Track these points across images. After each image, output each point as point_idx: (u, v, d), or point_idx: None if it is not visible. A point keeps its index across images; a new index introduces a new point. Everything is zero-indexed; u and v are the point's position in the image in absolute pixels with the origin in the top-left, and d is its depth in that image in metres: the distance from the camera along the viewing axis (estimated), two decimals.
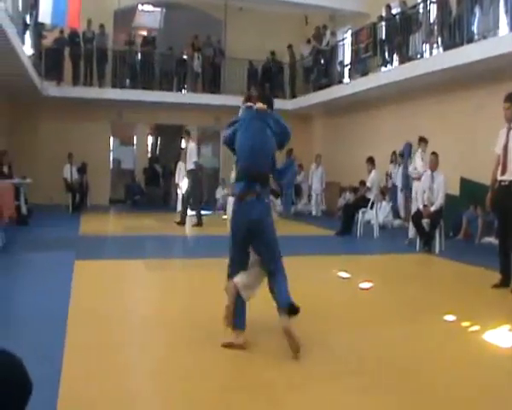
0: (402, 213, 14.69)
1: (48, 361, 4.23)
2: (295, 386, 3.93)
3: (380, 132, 16.93)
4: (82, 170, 18.72)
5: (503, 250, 7.55)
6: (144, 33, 21.74)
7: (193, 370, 4.27)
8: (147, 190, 21.24)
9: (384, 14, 15.62)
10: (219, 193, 20.22)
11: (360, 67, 16.97)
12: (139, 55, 20.25)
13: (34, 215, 14.14)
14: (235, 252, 4.88)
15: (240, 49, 20.88)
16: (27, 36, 15.08)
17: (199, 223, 14.24)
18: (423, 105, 15.01)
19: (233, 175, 5.36)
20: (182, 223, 14.34)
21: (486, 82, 12.50)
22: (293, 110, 20.49)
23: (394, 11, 15.29)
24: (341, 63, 18.67)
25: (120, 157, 22.91)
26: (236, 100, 19.97)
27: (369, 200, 13.16)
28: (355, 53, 17.35)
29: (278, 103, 20.29)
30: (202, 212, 14.61)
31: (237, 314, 4.68)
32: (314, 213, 18.63)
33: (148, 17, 23.23)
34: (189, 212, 17.39)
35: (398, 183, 14.63)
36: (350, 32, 18.47)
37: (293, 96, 21.08)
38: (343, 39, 18.95)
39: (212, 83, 20.83)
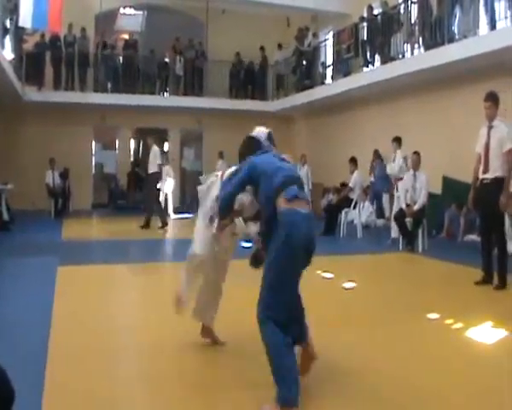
0: (387, 213, 14.73)
1: (31, 368, 4.18)
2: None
3: (363, 132, 16.95)
4: (64, 175, 18.63)
5: (486, 248, 7.59)
6: (126, 37, 21.62)
7: (175, 375, 4.24)
8: (130, 195, 21.15)
9: (366, 14, 15.65)
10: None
11: (342, 67, 17.00)
12: (121, 58, 20.15)
13: (16, 221, 13.99)
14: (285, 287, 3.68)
15: (222, 52, 20.90)
16: (7, 40, 14.95)
17: (163, 224, 14.13)
18: (406, 104, 15.05)
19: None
20: (146, 226, 14.14)
21: (468, 81, 12.55)
22: (275, 112, 20.53)
23: (376, 12, 15.31)
24: (323, 64, 18.69)
25: (103, 161, 22.78)
26: (219, 102, 20.25)
27: (351, 200, 13.20)
28: (337, 54, 17.39)
29: (261, 105, 20.76)
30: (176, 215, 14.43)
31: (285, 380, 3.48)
32: None
33: (130, 20, 23.09)
34: (172, 215, 17.45)
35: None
36: (332, 32, 18.49)
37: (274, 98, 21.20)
38: (325, 40, 19.00)
39: (195, 85, 20.81)
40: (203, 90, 20.88)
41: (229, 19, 20.86)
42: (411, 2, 13.75)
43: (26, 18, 14.83)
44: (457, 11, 12.26)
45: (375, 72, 14.83)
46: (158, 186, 17.22)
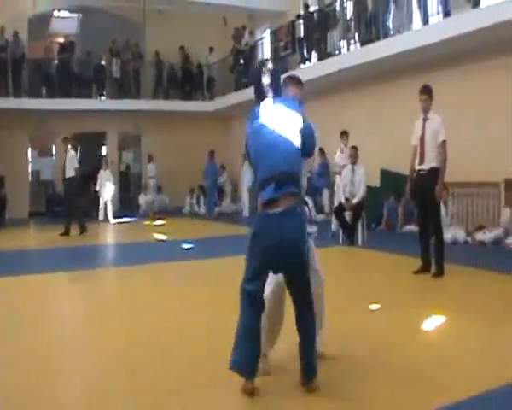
0: (326, 209, 14.76)
1: None
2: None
3: None
4: None
5: (423, 237, 7.69)
6: (61, 40, 21.08)
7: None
8: None
9: (302, 12, 15.69)
10: (142, 199, 19.92)
11: (280, 65, 16.95)
12: (56, 62, 19.63)
13: None
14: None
15: (160, 53, 20.68)
16: None
17: (81, 230, 13.81)
18: (345, 99, 15.14)
19: None
20: (65, 234, 13.65)
21: (404, 75, 12.72)
22: (213, 112, 20.43)
23: (312, 9, 15.36)
24: None
25: (40, 168, 22.20)
26: (156, 104, 19.99)
27: None
28: (274, 51, 17.37)
29: (198, 106, 20.60)
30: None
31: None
32: (242, 212, 18.54)
33: (65, 23, 22.54)
34: (112, 220, 17.10)
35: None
36: (269, 30, 18.49)
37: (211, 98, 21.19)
38: (262, 38, 18.96)
39: (132, 88, 20.49)
40: (140, 92, 20.57)
41: (166, 19, 20.64)
42: None
43: None
44: (392, 7, 12.38)
45: (312, 68, 14.84)
46: (97, 190, 17.01)
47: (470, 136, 11.13)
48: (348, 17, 13.91)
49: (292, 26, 16.10)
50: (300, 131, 3.73)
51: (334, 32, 14.39)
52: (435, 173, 7.42)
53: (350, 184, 10.74)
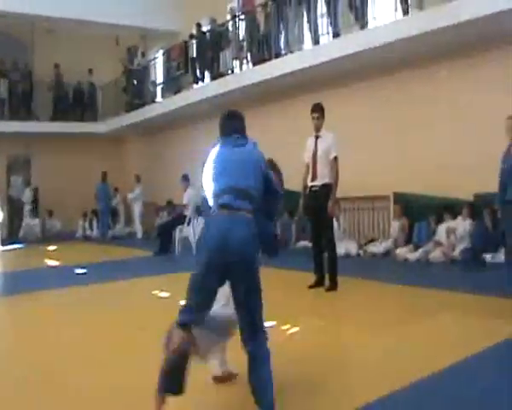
0: None
1: None
2: None
3: (198, 148, 16.83)
4: None
5: (317, 252, 7.75)
6: None
7: None
8: None
9: (195, 31, 15.67)
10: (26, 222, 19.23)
11: (173, 85, 16.89)
12: None
13: None
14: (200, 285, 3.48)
15: (51, 73, 20.04)
16: None
17: None
18: None
19: None
20: None
21: (295, 94, 12.93)
22: (106, 133, 20.02)
23: (205, 29, 15.37)
24: (154, 83, 18.48)
25: None
26: (46, 126, 19.30)
27: (185, 217, 13.06)
28: (167, 71, 17.27)
29: (90, 127, 20.13)
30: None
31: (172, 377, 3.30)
32: (134, 235, 18.23)
33: None
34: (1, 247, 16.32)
35: None
36: (162, 50, 18.37)
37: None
38: (155, 58, 18.79)
39: (21, 109, 19.72)
40: (30, 114, 19.83)
41: (56, 39, 19.94)
42: (239, 20, 13.94)
43: None
44: (283, 28, 12.57)
45: (205, 88, 14.84)
46: None
47: (360, 152, 11.42)
48: (241, 37, 14.02)
49: (185, 46, 16.05)
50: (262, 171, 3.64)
51: (226, 51, 14.44)
52: (327, 189, 7.54)
53: None
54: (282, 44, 12.64)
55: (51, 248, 15.81)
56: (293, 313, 6.36)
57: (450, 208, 9.98)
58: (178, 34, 17.56)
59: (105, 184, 18.16)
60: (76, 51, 20.19)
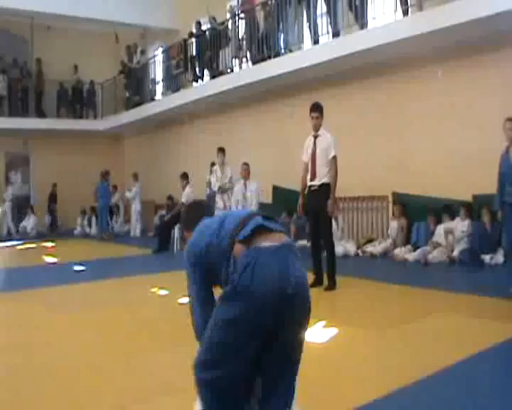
0: None
1: None
2: None
3: (196, 146, 16.86)
4: None
5: (316, 252, 7.73)
6: None
7: None
8: None
9: (194, 30, 15.66)
10: (27, 221, 19.17)
11: (172, 83, 16.89)
12: None
13: None
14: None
15: (50, 70, 20.00)
16: None
17: None
18: (239, 117, 15.18)
19: None
20: None
21: (295, 93, 12.93)
22: (105, 130, 20.02)
23: (204, 27, 15.36)
24: (153, 81, 18.47)
25: None
26: (46, 122, 19.28)
27: None
28: (167, 70, 17.28)
29: (90, 124, 20.12)
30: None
31: None
32: (133, 233, 18.23)
33: None
34: None
35: None
36: (161, 49, 18.36)
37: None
38: (154, 56, 18.79)
39: (20, 106, 19.68)
40: (29, 111, 19.82)
41: (55, 36, 20.00)
42: (239, 18, 13.93)
43: None
44: (283, 27, 12.57)
45: (204, 86, 14.85)
46: None
47: (359, 151, 11.46)
48: (240, 36, 14.02)
49: (184, 45, 16.04)
50: None
51: (226, 50, 14.44)
52: (326, 189, 7.53)
53: (242, 199, 10.74)
54: (281, 44, 12.64)
55: (50, 244, 15.76)
56: None
57: (448, 209, 9.97)
58: (178, 32, 17.57)
59: (106, 183, 18.12)
60: (75, 48, 20.22)
